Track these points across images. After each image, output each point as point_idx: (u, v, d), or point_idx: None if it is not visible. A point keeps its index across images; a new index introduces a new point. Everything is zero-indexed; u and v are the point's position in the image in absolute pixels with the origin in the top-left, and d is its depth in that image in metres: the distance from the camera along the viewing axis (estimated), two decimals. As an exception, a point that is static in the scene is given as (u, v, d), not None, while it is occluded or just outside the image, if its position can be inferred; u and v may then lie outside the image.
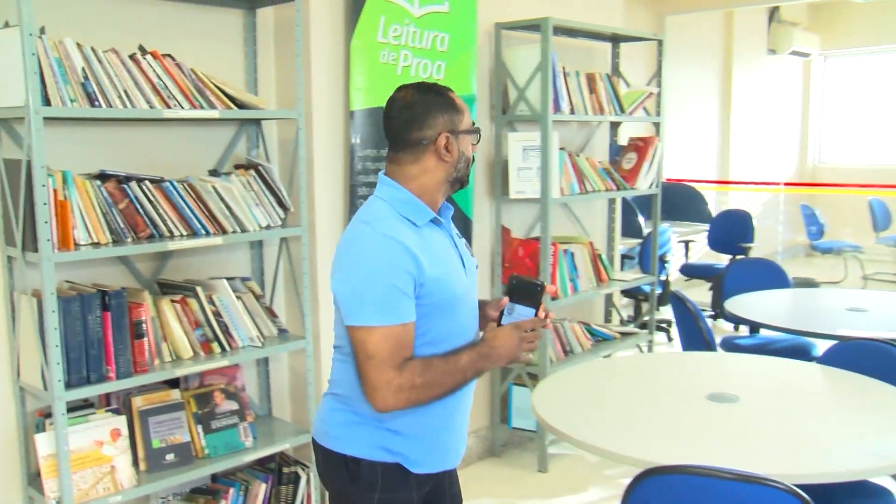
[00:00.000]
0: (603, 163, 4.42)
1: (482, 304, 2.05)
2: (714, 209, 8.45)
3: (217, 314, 3.08)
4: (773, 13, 9.35)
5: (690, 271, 7.04)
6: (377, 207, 1.87)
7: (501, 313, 1.90)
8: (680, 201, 7.78)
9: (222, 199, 3.03)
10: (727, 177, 8.97)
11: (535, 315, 1.87)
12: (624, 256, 6.32)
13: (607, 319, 4.95)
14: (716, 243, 7.29)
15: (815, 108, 10.58)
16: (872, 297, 4.30)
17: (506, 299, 1.91)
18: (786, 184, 8.60)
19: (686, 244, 7.23)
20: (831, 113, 10.59)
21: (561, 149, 4.09)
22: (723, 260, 7.46)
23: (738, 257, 7.09)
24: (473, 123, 1.94)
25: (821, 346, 4.33)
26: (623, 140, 4.73)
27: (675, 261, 7.23)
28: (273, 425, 3.45)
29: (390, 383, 1.74)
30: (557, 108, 3.93)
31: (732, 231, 7.16)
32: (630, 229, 6.40)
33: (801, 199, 9.56)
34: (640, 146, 4.53)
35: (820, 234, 8.69)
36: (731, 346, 4.57)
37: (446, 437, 1.95)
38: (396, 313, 1.76)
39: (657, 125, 4.65)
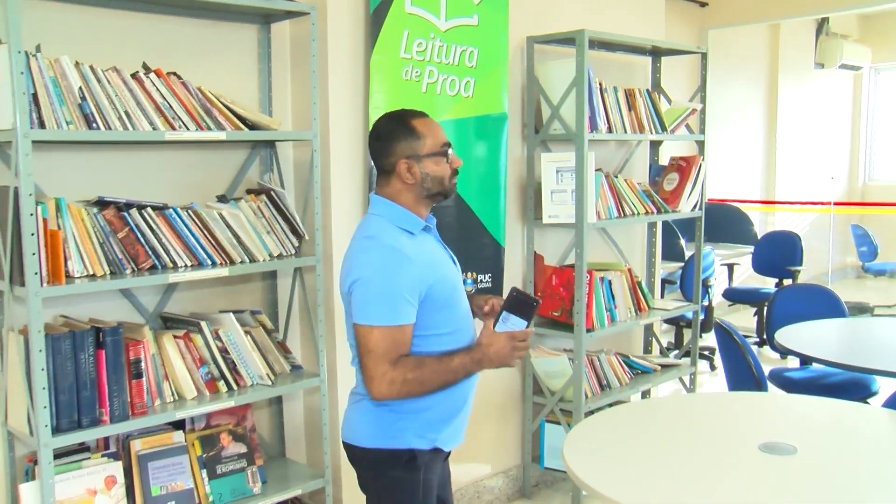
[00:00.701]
0: (643, 184, 4.14)
1: (469, 298, 2.30)
2: (759, 230, 8.11)
3: (224, 350, 2.86)
4: (822, 25, 8.98)
5: (734, 296, 6.70)
6: (376, 223, 2.11)
7: (497, 318, 2.08)
8: (724, 222, 7.45)
9: (229, 227, 2.82)
10: (773, 196, 8.60)
11: (528, 327, 2.07)
12: (665, 281, 6.01)
13: (647, 350, 4.65)
14: (761, 266, 6.95)
15: (866, 123, 10.16)
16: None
17: (492, 301, 2.28)
18: (836, 203, 8.19)
19: (730, 267, 6.89)
20: (883, 128, 10.15)
21: (598, 170, 3.82)
22: (769, 284, 7.11)
23: (786, 281, 6.74)
24: (445, 144, 2.14)
25: (881, 381, 4.02)
26: (664, 160, 4.45)
27: (719, 285, 6.90)
28: (287, 468, 3.22)
29: (384, 375, 1.99)
30: (594, 127, 3.67)
31: (779, 253, 6.82)
32: (671, 252, 6.10)
33: (850, 218, 9.14)
34: (683, 166, 4.25)
35: (873, 256, 8.27)
36: (781, 379, 4.26)
37: (461, 418, 2.24)
38: (396, 316, 2.00)
39: (701, 143, 4.36)
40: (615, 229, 4.39)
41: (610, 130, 3.80)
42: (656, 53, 4.43)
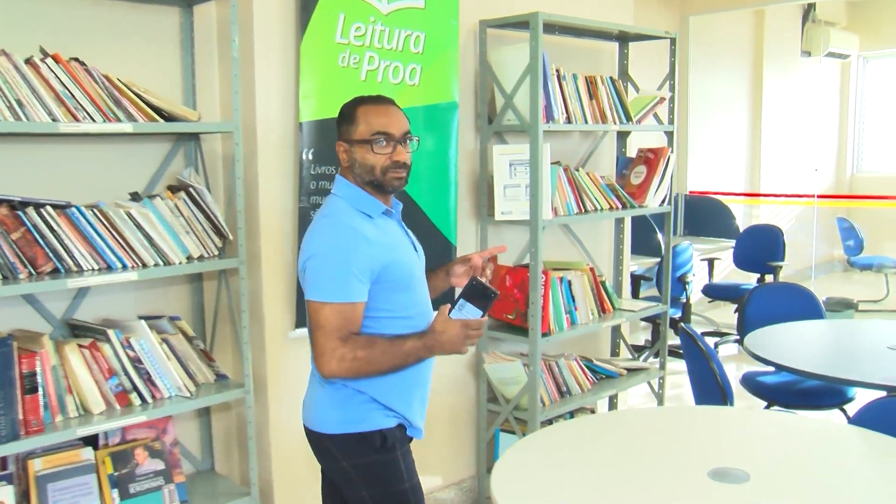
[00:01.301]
0: (607, 178, 3.91)
1: (449, 266, 2.37)
2: (744, 224, 7.89)
3: (136, 360, 2.64)
4: (808, 12, 8.73)
5: (714, 292, 6.48)
6: (336, 203, 2.12)
7: (454, 305, 2.05)
8: (705, 215, 7.23)
9: (140, 228, 2.58)
10: (757, 189, 8.37)
11: (483, 317, 2.06)
12: (641, 277, 5.80)
13: (614, 353, 4.43)
14: (742, 261, 6.72)
15: (854, 113, 9.92)
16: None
17: (473, 258, 2.33)
18: (819, 196, 7.96)
19: (710, 262, 6.66)
20: (871, 118, 9.92)
21: (555, 163, 3.60)
22: (751, 279, 6.89)
23: (768, 277, 6.53)
24: (376, 133, 2.08)
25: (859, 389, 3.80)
26: (632, 152, 4.22)
27: (698, 280, 6.68)
28: (214, 484, 3.00)
29: (334, 351, 1.99)
30: (550, 117, 3.44)
31: (761, 248, 6.59)
32: (648, 247, 5.88)
33: (837, 211, 8.92)
34: (651, 158, 4.01)
35: (858, 249, 8.06)
36: (754, 384, 4.04)
37: (420, 398, 2.24)
38: (347, 292, 2.00)
39: (670, 134, 4.12)
40: (580, 226, 4.16)
41: (569, 120, 3.57)
42: (624, 39, 4.19)
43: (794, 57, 8.74)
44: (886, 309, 7.87)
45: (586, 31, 3.91)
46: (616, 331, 4.41)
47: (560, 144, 3.85)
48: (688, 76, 7.22)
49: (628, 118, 3.85)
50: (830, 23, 8.92)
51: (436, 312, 2.09)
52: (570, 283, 3.70)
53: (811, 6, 8.63)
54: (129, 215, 2.57)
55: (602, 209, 3.80)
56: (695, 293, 6.61)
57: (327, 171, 3.09)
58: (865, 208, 9.10)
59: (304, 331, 2.79)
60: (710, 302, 6.90)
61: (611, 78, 3.81)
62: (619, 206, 3.85)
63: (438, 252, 3.46)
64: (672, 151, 4.00)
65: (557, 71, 3.53)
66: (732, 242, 6.83)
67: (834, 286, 8.89)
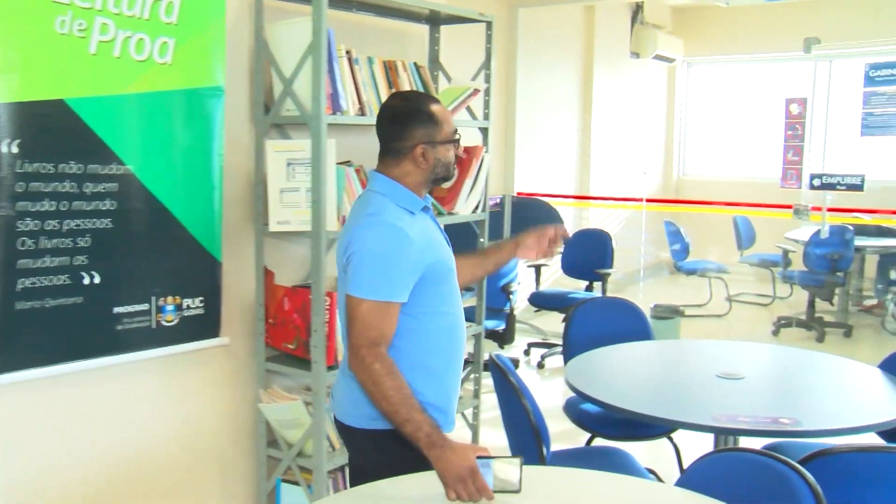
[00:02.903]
0: (410, 181, 3.38)
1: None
2: (573, 227, 7.63)
3: None
4: (637, 14, 8.62)
5: (541, 301, 6.11)
6: (378, 200, 2.10)
7: (489, 455, 1.91)
8: (532, 219, 6.86)
9: None
10: (587, 191, 8.15)
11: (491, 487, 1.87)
12: (464, 289, 5.32)
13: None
14: (570, 267, 6.41)
15: (680, 117, 9.97)
16: (748, 355, 3.43)
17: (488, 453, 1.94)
18: (648, 200, 7.83)
19: (537, 269, 6.32)
20: (696, 123, 9.99)
21: (344, 163, 3.03)
22: (580, 286, 6.60)
23: (596, 285, 6.25)
24: (455, 131, 2.18)
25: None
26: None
27: (524, 288, 6.32)
28: None
29: (360, 348, 2.00)
30: (336, 107, 2.87)
31: (589, 254, 6.29)
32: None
33: (666, 215, 8.86)
34: (463, 159, 3.51)
35: (685, 253, 7.99)
36: (576, 412, 3.62)
37: (455, 400, 2.23)
38: (387, 291, 2.02)
39: (485, 131, 3.65)
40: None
41: (362, 112, 3.01)
42: (435, 21, 3.67)
43: (624, 57, 8.59)
44: (711, 314, 7.84)
45: (391, 10, 3.37)
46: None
47: (354, 140, 3.29)
48: (516, 71, 6.86)
49: (435, 112, 3.33)
50: (658, 26, 8.86)
51: (471, 444, 1.99)
52: (365, 304, 3.14)
53: (639, 8, 8.51)
54: None
55: (405, 217, 3.27)
56: (521, 301, 6.24)
57: (43, 169, 2.39)
58: (692, 213, 9.11)
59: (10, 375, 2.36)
60: (535, 312, 6.56)
61: (415, 64, 3.29)
62: (425, 213, 3.33)
63: (198, 269, 2.83)
64: (486, 150, 3.52)
65: (348, 53, 2.97)
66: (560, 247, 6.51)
67: (662, 291, 8.85)
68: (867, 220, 6.79)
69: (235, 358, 3.07)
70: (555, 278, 6.94)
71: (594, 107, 8.11)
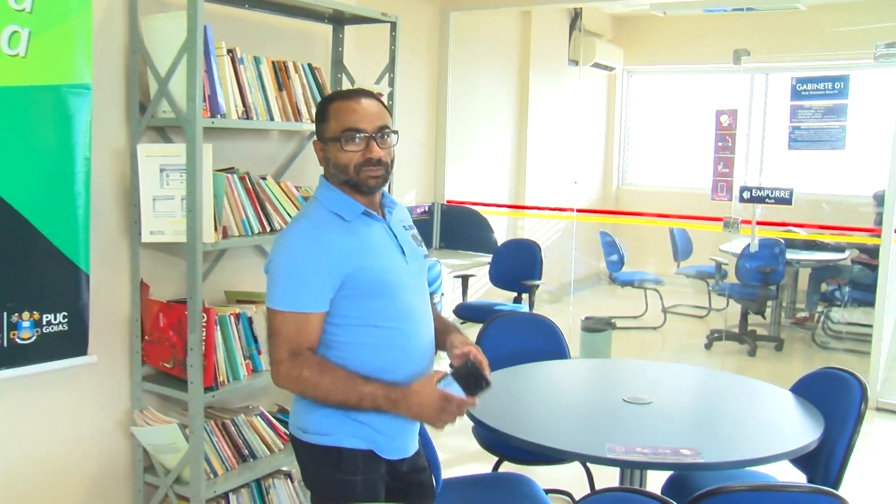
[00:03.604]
0: (305, 189, 3.18)
1: (446, 333, 2.17)
2: (507, 237, 7.49)
3: None
4: (575, 21, 8.53)
5: (466, 312, 5.93)
6: (309, 206, 2.08)
7: (441, 379, 1.93)
8: (463, 227, 6.72)
9: None
10: (522, 200, 8.01)
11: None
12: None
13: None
14: (499, 278, 6.24)
15: (619, 126, 9.90)
16: (658, 377, 3.29)
17: (468, 349, 2.06)
18: (579, 210, 7.71)
19: (464, 279, 6.15)
20: (636, 133, 9.94)
21: (226, 169, 2.83)
22: (510, 297, 6.45)
23: (524, 297, 6.10)
24: (346, 129, 1.98)
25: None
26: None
27: (451, 299, 6.15)
28: None
29: (281, 363, 1.94)
30: (215, 110, 2.66)
31: (517, 264, 6.13)
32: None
33: (604, 225, 8.77)
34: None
35: (620, 264, 7.90)
36: (483, 435, 3.43)
37: (405, 426, 2.07)
38: (299, 302, 1.94)
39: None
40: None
41: (248, 116, 2.81)
42: (339, 21, 3.49)
43: (562, 65, 8.49)
44: (645, 326, 7.76)
45: (291, 9, 3.17)
46: (329, 370, 3.69)
47: (239, 146, 3.09)
48: (448, 76, 6.70)
49: (331, 116, 3.14)
50: (597, 34, 8.77)
51: (424, 376, 1.96)
52: (250, 319, 2.94)
53: (578, 15, 8.42)
54: None
55: (299, 227, 3.07)
56: (446, 312, 6.07)
57: None
58: (629, 223, 9.04)
59: None
60: (461, 324, 6.39)
61: (309, 65, 3.09)
62: (320, 223, 3.14)
63: (61, 283, 2.60)
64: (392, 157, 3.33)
65: (231, 52, 2.76)
66: (489, 257, 6.35)
67: (597, 302, 8.75)
68: (802, 234, 6.77)
69: (107, 377, 2.83)
70: (484, 290, 6.79)
71: (530, 114, 7.98)
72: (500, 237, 7.27)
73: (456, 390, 1.92)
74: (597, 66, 8.76)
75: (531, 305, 5.96)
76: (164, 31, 2.65)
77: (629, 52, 9.30)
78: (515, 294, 6.26)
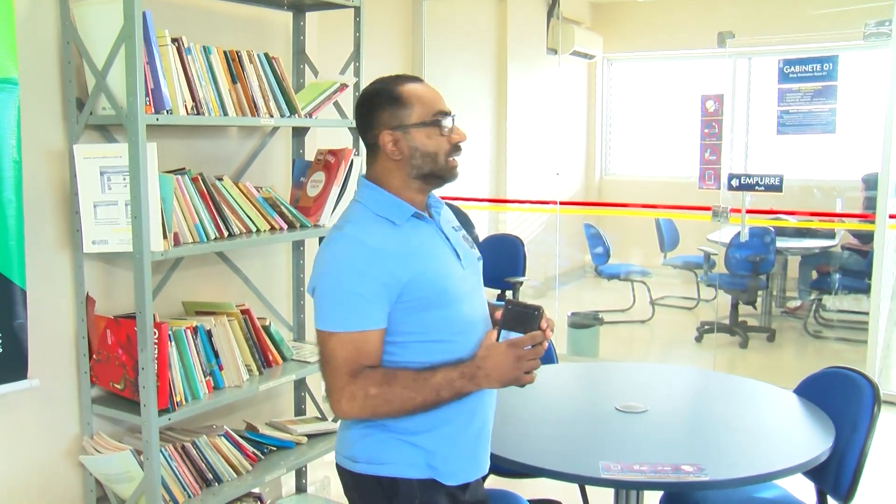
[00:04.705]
0: (266, 190, 2.95)
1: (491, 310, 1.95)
2: (490, 232, 7.26)
3: None
4: (552, 8, 8.29)
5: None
6: (352, 210, 1.85)
7: (498, 335, 1.76)
8: (442, 224, 6.48)
9: None
10: (504, 194, 7.78)
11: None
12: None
13: (300, 412, 3.47)
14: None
15: (601, 115, 9.68)
16: (653, 379, 3.07)
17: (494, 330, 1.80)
18: (562, 202, 7.49)
19: (445, 278, 5.91)
20: (618, 121, 9.73)
21: (178, 171, 2.58)
22: (492, 296, 6.22)
23: (508, 294, 5.88)
24: (439, 112, 1.81)
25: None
26: (311, 153, 3.28)
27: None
28: None
29: (343, 389, 1.71)
30: (159, 105, 2.41)
31: (500, 261, 5.90)
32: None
33: (588, 217, 8.56)
34: (331, 163, 3.10)
35: (606, 257, 7.69)
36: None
37: (471, 443, 1.87)
38: (355, 320, 1.71)
39: (354, 131, 3.22)
40: (244, 254, 3.17)
41: (198, 111, 2.56)
42: (300, 8, 3.24)
43: (540, 54, 8.25)
44: (633, 319, 7.57)
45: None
46: (302, 384, 3.45)
47: (191, 144, 2.84)
48: (422, 66, 6.45)
49: (292, 110, 2.90)
50: (575, 21, 8.55)
51: (482, 342, 1.79)
52: (209, 333, 2.70)
53: (555, 2, 8.19)
54: None
55: (261, 231, 2.84)
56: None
57: None
58: (614, 215, 8.83)
59: None
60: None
61: (266, 55, 2.84)
62: (283, 226, 2.90)
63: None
64: (356, 153, 3.10)
65: (177, 41, 2.51)
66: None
67: (583, 296, 8.56)
68: (793, 222, 6.58)
69: (52, 403, 2.58)
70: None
71: (509, 105, 7.75)
72: (483, 232, 7.05)
73: (517, 334, 1.74)
74: (576, 54, 8.53)
75: (516, 303, 5.74)
76: (100, 18, 2.39)
77: (609, 40, 9.07)
78: (499, 291, 6.04)
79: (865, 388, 2.56)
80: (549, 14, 8.26)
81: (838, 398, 2.65)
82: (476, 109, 7.47)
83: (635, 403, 2.65)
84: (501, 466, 2.29)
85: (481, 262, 1.99)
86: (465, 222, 6.47)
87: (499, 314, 1.83)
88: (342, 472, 1.89)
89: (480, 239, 6.34)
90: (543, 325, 1.75)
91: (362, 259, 1.72)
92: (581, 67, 9.26)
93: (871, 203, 6.20)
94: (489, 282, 5.94)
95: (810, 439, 2.40)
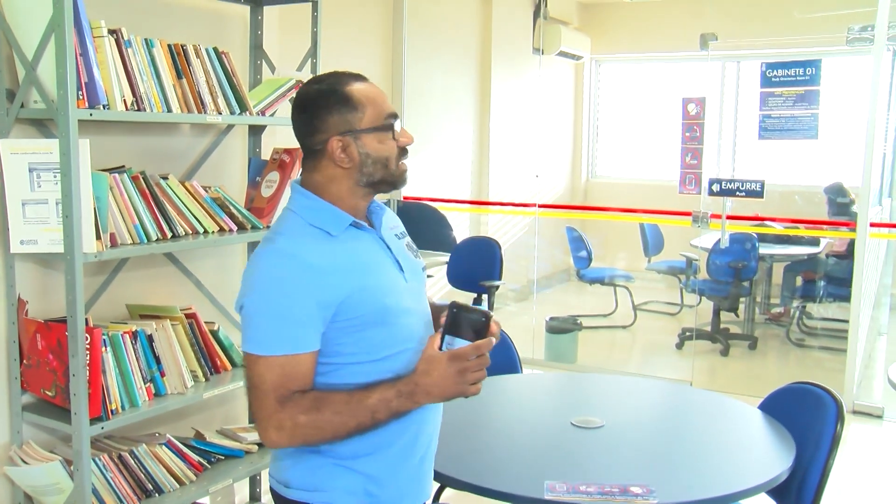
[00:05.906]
0: (214, 190, 2.84)
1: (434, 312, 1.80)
2: (469, 234, 7.15)
3: None
4: (539, 8, 8.19)
5: (423, 316, 5.60)
6: (285, 220, 1.69)
7: (441, 342, 1.59)
8: (419, 225, 6.37)
9: None
10: (486, 196, 7.67)
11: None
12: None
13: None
14: (457, 278, 5.91)
15: (588, 116, 9.58)
16: (613, 392, 2.97)
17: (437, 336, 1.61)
18: (541, 206, 7.39)
19: (421, 281, 5.80)
20: (605, 124, 9.63)
21: (116, 169, 2.47)
22: (469, 300, 6.11)
23: (484, 297, 5.77)
24: (390, 115, 1.68)
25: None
26: (268, 152, 3.17)
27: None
28: None
29: (271, 418, 1.55)
30: (94, 100, 2.30)
31: (476, 263, 5.80)
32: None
33: (571, 220, 8.47)
34: (286, 162, 2.99)
35: (589, 261, 7.59)
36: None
37: (414, 467, 1.74)
38: (285, 342, 1.56)
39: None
40: (197, 255, 3.06)
41: (138, 107, 2.45)
42: (257, 2, 3.13)
43: (526, 54, 8.15)
44: (615, 325, 7.47)
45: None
46: (255, 388, 3.34)
47: (130, 141, 2.73)
48: (402, 65, 6.35)
49: (242, 107, 2.79)
50: (562, 21, 8.45)
51: (423, 352, 1.63)
52: (150, 337, 2.59)
53: (542, 2, 8.09)
54: None
55: (209, 232, 2.73)
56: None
57: None
58: (597, 218, 8.73)
59: None
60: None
61: (214, 49, 2.73)
62: (232, 227, 2.79)
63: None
64: (312, 154, 2.98)
65: (115, 33, 2.40)
66: (447, 257, 6.01)
67: (564, 301, 8.46)
68: (778, 229, 6.48)
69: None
70: (444, 291, 6.45)
71: (493, 106, 7.64)
72: (464, 235, 6.94)
73: (461, 343, 1.58)
74: (563, 54, 8.43)
75: (490, 307, 5.63)
76: (31, 5, 2.28)
77: (597, 40, 8.97)
78: (475, 295, 5.93)
79: (830, 405, 2.46)
80: (536, 14, 8.16)
81: (803, 414, 2.55)
82: (458, 110, 7.36)
83: (593, 418, 2.55)
84: (444, 483, 2.19)
85: (425, 271, 1.85)
86: (441, 222, 6.38)
87: (443, 318, 1.65)
88: (276, 497, 1.75)
89: (458, 241, 6.24)
90: (494, 330, 1.60)
91: (294, 276, 1.57)
92: (568, 68, 9.16)
93: (840, 210, 6.13)
94: (464, 285, 5.89)
95: (770, 458, 2.31)
